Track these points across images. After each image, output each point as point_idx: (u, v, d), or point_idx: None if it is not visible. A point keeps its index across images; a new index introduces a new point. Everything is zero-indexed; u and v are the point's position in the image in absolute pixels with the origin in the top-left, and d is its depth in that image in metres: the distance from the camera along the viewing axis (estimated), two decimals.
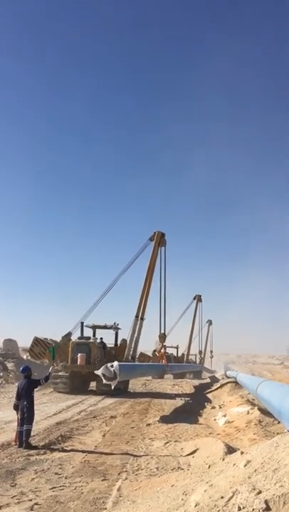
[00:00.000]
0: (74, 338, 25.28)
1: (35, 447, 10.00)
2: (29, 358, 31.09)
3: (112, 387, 15.28)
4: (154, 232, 29.29)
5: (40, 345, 26.77)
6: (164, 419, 14.75)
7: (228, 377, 37.62)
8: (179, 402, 20.34)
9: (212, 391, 24.96)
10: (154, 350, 39.08)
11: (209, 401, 21.46)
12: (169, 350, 45.31)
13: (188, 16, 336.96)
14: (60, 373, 22.19)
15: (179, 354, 50.56)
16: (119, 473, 7.98)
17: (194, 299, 57.19)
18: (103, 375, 14.52)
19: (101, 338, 24.82)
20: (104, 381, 14.90)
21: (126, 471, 8.17)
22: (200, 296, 57.88)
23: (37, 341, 26.76)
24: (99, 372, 14.66)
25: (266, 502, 3.66)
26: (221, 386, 25.16)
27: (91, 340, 24.33)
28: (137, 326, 27.14)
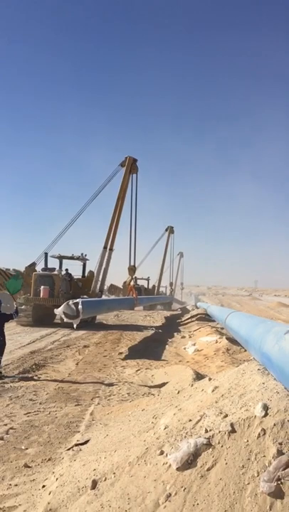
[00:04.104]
0: (39, 269, 24.45)
1: (8, 376, 10.22)
2: None
3: (74, 326, 14.44)
4: (125, 158, 27.18)
5: (1, 275, 25.81)
6: (136, 348, 15.25)
7: (198, 308, 39.07)
8: (150, 332, 21.00)
9: (184, 323, 25.67)
10: (125, 282, 39.56)
11: (179, 331, 22.23)
12: (140, 282, 46.12)
13: None
14: (22, 307, 20.85)
15: (150, 286, 51.53)
16: (91, 399, 8.28)
17: (166, 230, 56.92)
18: (65, 313, 13.65)
19: (66, 270, 23.94)
20: (65, 320, 14.13)
21: (98, 396, 8.48)
22: (172, 227, 57.45)
23: None
24: (59, 311, 13.72)
25: (232, 425, 3.85)
26: (192, 317, 25.96)
27: (55, 272, 23.43)
28: (105, 257, 26.17)
